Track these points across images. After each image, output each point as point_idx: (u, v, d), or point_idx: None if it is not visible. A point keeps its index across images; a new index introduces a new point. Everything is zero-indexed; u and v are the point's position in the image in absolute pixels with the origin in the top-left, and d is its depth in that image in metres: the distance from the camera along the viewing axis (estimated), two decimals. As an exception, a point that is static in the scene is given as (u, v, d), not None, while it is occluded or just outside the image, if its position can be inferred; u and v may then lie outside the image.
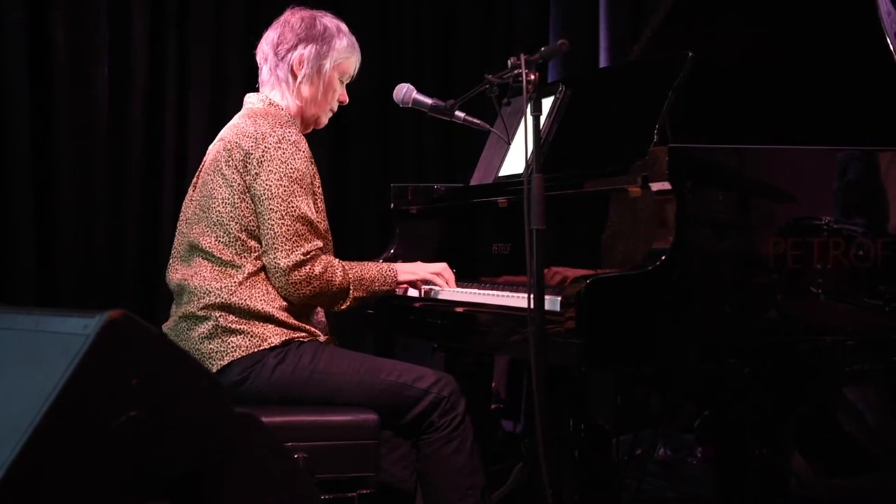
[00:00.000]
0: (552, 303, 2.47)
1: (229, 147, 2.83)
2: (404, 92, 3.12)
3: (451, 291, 3.03)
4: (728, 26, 3.28)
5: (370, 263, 2.98)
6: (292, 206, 2.76)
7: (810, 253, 2.59)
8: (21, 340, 1.96)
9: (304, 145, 2.84)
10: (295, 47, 2.94)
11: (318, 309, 2.96)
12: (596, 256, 2.78)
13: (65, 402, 1.77)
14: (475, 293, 2.94)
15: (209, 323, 2.76)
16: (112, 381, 1.83)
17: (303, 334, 2.81)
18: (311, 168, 2.85)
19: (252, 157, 2.78)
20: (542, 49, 2.57)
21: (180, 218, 2.93)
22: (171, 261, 2.91)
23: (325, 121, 3.05)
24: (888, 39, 2.83)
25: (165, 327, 2.86)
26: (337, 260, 2.86)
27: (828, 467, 3.16)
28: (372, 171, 5.13)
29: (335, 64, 2.96)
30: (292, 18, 2.98)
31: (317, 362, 2.77)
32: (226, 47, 4.78)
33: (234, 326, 2.75)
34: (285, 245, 2.74)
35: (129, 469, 1.85)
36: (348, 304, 2.87)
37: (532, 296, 2.38)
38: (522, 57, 2.53)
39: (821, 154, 2.70)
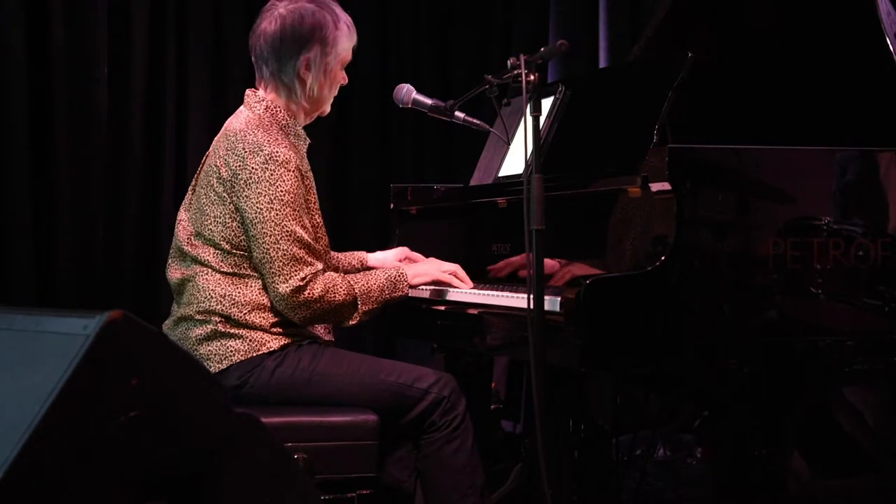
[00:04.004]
0: (552, 303, 2.47)
1: (219, 164, 2.78)
2: (404, 92, 3.12)
3: (450, 292, 3.03)
4: (727, 26, 3.28)
5: (378, 272, 2.92)
6: (286, 230, 2.70)
7: (810, 253, 2.60)
8: (21, 341, 1.96)
9: (294, 163, 2.75)
10: (299, 51, 2.85)
11: None
12: (595, 257, 2.78)
13: (64, 403, 1.77)
14: (475, 293, 2.93)
15: (208, 326, 2.75)
16: (111, 382, 1.83)
17: (302, 339, 2.82)
18: (303, 184, 2.79)
19: (239, 178, 2.73)
20: (542, 49, 2.58)
21: (179, 217, 2.89)
22: (170, 260, 2.89)
23: (328, 109, 3.00)
24: (888, 40, 2.84)
25: (165, 326, 2.86)
26: (339, 276, 2.81)
27: (827, 468, 3.17)
28: (372, 171, 5.13)
29: (339, 58, 2.91)
30: (286, 13, 2.85)
31: (316, 364, 2.77)
32: (225, 47, 4.78)
33: (232, 331, 2.75)
34: (283, 270, 2.70)
35: (128, 469, 1.85)
36: (359, 318, 2.82)
37: (532, 296, 2.38)
38: (522, 57, 2.53)
39: (820, 154, 2.70)
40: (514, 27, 5.35)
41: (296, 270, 2.71)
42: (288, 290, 2.70)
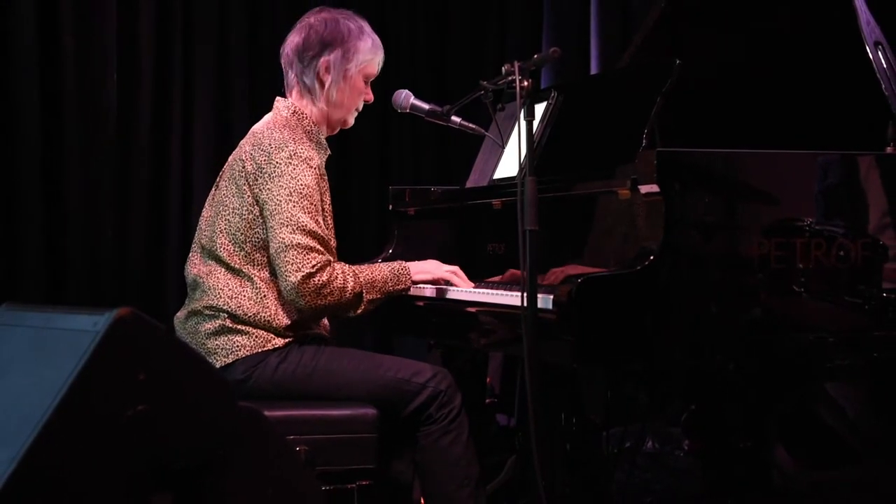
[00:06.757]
0: (545, 301, 2.50)
1: (244, 158, 2.86)
2: (402, 97, 3.16)
3: (447, 290, 3.06)
4: (714, 35, 3.31)
5: (381, 265, 2.98)
6: (301, 221, 2.76)
7: (793, 253, 2.62)
8: (32, 337, 2.02)
9: (316, 162, 2.86)
10: (320, 54, 2.95)
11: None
12: (587, 256, 2.82)
13: (74, 397, 1.82)
14: (471, 292, 2.97)
15: (217, 321, 2.82)
16: (120, 377, 1.88)
17: (305, 337, 2.88)
18: (320, 185, 2.87)
19: (264, 171, 2.81)
20: (535, 56, 2.61)
21: (202, 214, 2.98)
22: (191, 254, 2.96)
23: (351, 121, 3.07)
24: (867, 48, 2.87)
25: (177, 318, 2.93)
26: (346, 266, 2.87)
27: (809, 460, 3.19)
28: (371, 173, 5.19)
29: (360, 67, 2.99)
30: (315, 22, 2.98)
31: (318, 360, 2.82)
32: (230, 52, 4.84)
33: (239, 328, 2.82)
34: (296, 260, 2.75)
35: (135, 462, 1.90)
36: (363, 308, 2.88)
37: (525, 294, 2.42)
38: (516, 64, 2.57)
39: (804, 158, 2.73)
40: (508, 35, 5.40)
41: (307, 259, 2.76)
42: (298, 277, 2.74)
